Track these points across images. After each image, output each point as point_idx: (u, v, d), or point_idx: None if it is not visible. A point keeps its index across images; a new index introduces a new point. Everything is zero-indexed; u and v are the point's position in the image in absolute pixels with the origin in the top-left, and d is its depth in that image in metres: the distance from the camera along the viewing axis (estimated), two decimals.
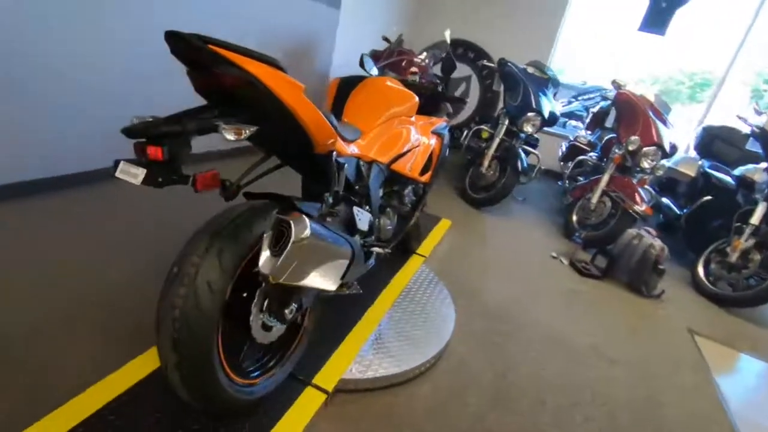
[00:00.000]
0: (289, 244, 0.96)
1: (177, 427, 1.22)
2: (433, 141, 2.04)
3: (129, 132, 0.87)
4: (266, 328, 1.25)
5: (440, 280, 2.37)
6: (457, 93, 6.00)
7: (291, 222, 0.98)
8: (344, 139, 1.45)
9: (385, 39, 4.34)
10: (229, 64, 0.95)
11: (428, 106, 2.21)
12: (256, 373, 1.25)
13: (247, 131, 0.95)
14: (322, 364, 1.56)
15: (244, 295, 1.19)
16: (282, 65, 1.07)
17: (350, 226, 1.50)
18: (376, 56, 4.24)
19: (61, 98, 2.21)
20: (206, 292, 1.01)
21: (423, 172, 2.01)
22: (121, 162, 0.92)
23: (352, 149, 1.50)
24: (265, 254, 0.99)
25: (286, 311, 1.24)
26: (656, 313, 2.82)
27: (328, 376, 1.52)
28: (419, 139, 1.88)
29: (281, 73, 1.05)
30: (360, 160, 1.58)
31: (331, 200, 1.27)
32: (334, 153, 1.35)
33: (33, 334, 1.46)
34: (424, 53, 4.09)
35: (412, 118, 1.85)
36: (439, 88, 2.10)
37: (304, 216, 1.01)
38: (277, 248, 0.98)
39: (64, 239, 2.00)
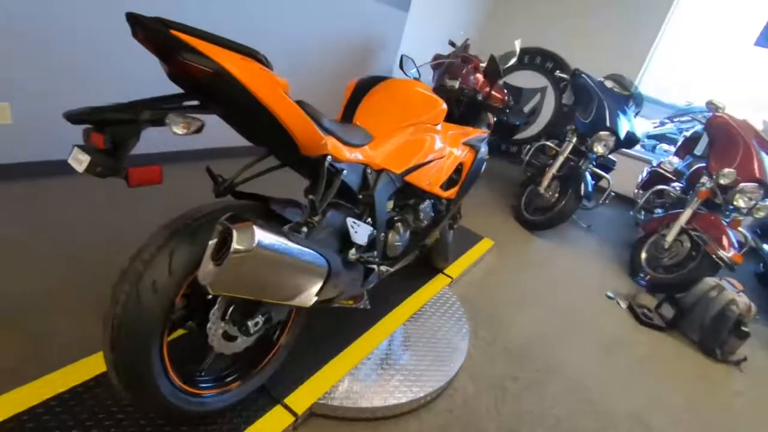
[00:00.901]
0: (228, 255, 0.86)
1: (129, 426, 1.17)
2: (464, 153, 1.83)
3: (71, 116, 0.82)
4: (229, 338, 1.16)
5: (462, 307, 2.15)
6: (530, 105, 5.62)
7: (233, 230, 0.87)
8: (346, 143, 1.32)
9: (451, 43, 4.15)
10: (193, 52, 0.87)
11: (467, 115, 2.01)
12: (207, 385, 1.16)
13: (194, 126, 0.86)
14: (300, 383, 1.44)
15: (209, 298, 1.12)
16: (263, 58, 0.98)
17: (344, 239, 1.37)
18: (438, 60, 4.08)
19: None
20: (149, 293, 0.94)
21: (448, 186, 1.82)
22: (75, 147, 0.88)
23: (356, 155, 1.36)
24: (205, 263, 0.89)
25: (250, 323, 1.15)
26: (730, 383, 2.32)
27: (302, 397, 1.40)
28: (444, 150, 1.70)
29: (256, 65, 0.95)
30: (368, 167, 1.44)
31: (308, 208, 1.14)
32: (329, 157, 1.23)
33: (45, 303, 1.53)
34: None
35: (438, 127, 1.67)
36: (479, 97, 1.89)
37: (252, 225, 0.90)
38: (218, 258, 0.88)
39: (109, 218, 2.11)
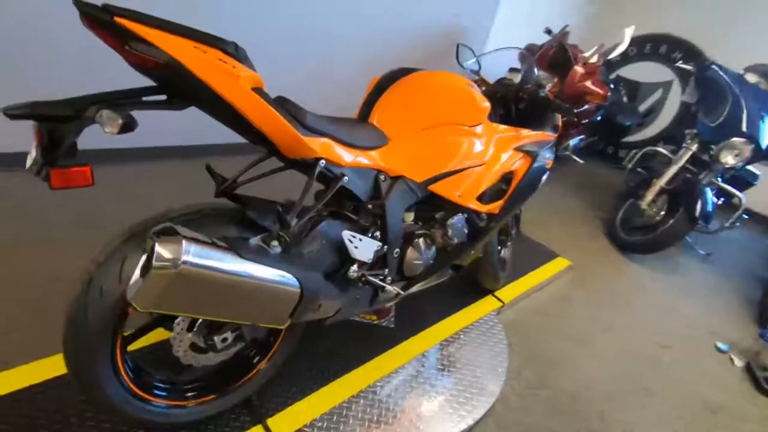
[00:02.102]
0: (150, 270, 0.76)
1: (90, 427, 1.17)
2: (515, 161, 1.52)
3: (7, 111, 0.78)
4: (198, 350, 1.09)
5: (507, 338, 1.84)
6: (648, 102, 4.80)
7: (155, 244, 0.77)
8: (348, 145, 1.15)
9: (548, 31, 3.66)
10: (140, 41, 0.78)
11: (529, 115, 1.68)
12: (162, 394, 1.10)
13: (117, 124, 0.77)
14: (288, 404, 1.33)
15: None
16: (230, 48, 0.86)
17: (343, 253, 1.20)
18: (531, 51, 3.64)
19: None
20: (95, 299, 0.90)
21: (492, 198, 1.54)
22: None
23: (361, 159, 1.19)
24: (135, 276, 0.81)
25: (217, 339, 1.06)
26: None
27: (287, 420, 1.28)
28: (485, 157, 1.42)
29: (215, 54, 0.83)
30: (381, 173, 1.26)
31: (277, 221, 1.00)
32: (322, 161, 1.08)
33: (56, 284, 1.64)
34: (593, 49, 3.31)
35: (478, 128, 1.39)
36: (542, 93, 1.54)
37: (181, 240, 0.79)
38: (146, 272, 0.79)
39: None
